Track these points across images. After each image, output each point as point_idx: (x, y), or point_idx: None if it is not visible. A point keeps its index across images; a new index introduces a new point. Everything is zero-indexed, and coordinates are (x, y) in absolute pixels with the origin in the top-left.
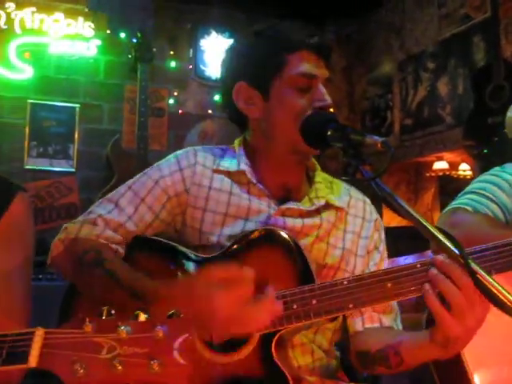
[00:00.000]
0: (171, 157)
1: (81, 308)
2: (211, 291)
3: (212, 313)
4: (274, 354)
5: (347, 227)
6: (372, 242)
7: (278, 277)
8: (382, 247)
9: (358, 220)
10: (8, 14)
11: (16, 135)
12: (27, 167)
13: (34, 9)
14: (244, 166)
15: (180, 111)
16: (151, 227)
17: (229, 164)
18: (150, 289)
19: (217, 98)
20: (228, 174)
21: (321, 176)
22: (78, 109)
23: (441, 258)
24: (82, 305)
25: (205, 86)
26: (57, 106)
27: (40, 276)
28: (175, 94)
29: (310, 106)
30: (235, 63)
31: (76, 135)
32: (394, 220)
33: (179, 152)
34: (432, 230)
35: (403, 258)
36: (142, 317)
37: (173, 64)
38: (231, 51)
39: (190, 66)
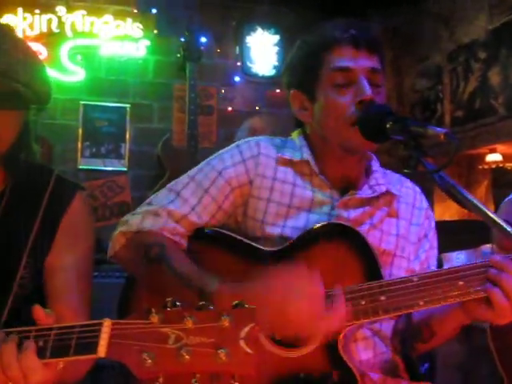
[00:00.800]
0: (234, 147)
1: (139, 302)
2: (285, 300)
3: (285, 316)
4: (341, 350)
5: (400, 214)
6: (422, 230)
7: (344, 271)
8: (432, 235)
9: (409, 207)
10: (59, 18)
11: (69, 136)
12: (80, 167)
13: (84, 12)
14: (307, 156)
15: (229, 108)
16: (214, 218)
17: (292, 154)
18: (217, 289)
19: (265, 94)
20: (291, 163)
21: (377, 165)
22: (128, 109)
23: (498, 257)
24: (140, 298)
25: (252, 82)
26: (108, 106)
27: (95, 273)
28: (223, 91)
29: (352, 101)
30: (286, 73)
31: (127, 135)
32: (445, 214)
33: (241, 142)
34: (497, 220)
35: (455, 253)
36: (207, 307)
37: (220, 61)
38: (286, 61)
39: (238, 63)
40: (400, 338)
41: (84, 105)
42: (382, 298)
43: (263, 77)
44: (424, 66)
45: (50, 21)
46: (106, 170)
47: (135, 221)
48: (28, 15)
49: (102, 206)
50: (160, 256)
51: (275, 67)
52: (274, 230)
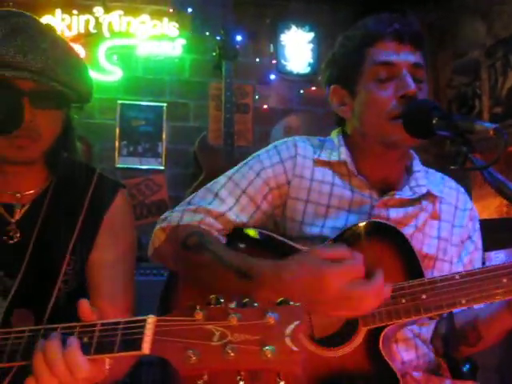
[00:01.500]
0: (271, 147)
1: (180, 299)
2: (323, 266)
3: (323, 288)
4: (382, 350)
5: (442, 216)
6: (466, 232)
7: (385, 271)
8: (476, 237)
9: (451, 209)
10: (97, 19)
11: (107, 135)
12: (118, 166)
13: (121, 12)
14: (345, 156)
15: (264, 107)
16: (252, 219)
17: (329, 154)
18: (257, 267)
19: (300, 92)
20: (329, 164)
21: (419, 165)
22: (165, 107)
23: None
24: (182, 295)
25: (287, 80)
26: (145, 105)
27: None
28: (259, 89)
29: (393, 95)
30: (327, 68)
31: (164, 133)
32: (483, 212)
33: (279, 142)
34: None
35: (494, 252)
36: (252, 304)
37: (255, 60)
38: (327, 57)
39: (274, 61)
40: (443, 342)
41: (121, 104)
42: (424, 296)
43: (298, 74)
44: (461, 62)
45: (87, 21)
46: (143, 169)
47: (174, 217)
48: (66, 16)
49: (140, 204)
50: (198, 243)
51: (310, 65)
52: (313, 231)
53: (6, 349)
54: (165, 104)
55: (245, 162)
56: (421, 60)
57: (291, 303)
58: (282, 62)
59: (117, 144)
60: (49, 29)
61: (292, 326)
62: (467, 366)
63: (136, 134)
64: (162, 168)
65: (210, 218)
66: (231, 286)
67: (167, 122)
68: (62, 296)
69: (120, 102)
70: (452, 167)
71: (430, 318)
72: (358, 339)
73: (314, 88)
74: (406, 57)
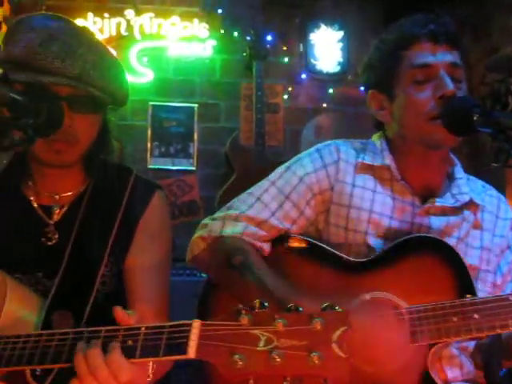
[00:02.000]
0: (313, 151)
1: (220, 304)
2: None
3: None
4: (429, 368)
5: (484, 225)
6: (505, 241)
7: (434, 285)
8: None
9: (492, 218)
10: (128, 21)
11: (139, 136)
12: (150, 167)
13: (151, 14)
14: (389, 161)
15: (295, 106)
16: (296, 224)
17: (372, 158)
18: (297, 302)
19: (330, 91)
20: (371, 168)
21: (461, 172)
22: (196, 108)
23: None
24: (220, 300)
25: (316, 80)
26: (176, 106)
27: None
28: (289, 89)
29: (432, 96)
30: (364, 73)
31: (195, 134)
32: None
33: (321, 146)
34: None
35: None
36: (297, 309)
37: (285, 59)
38: (363, 62)
39: (302, 61)
40: (485, 354)
41: (153, 105)
42: (476, 316)
43: (328, 74)
44: (494, 59)
45: (119, 24)
46: (174, 170)
47: (215, 226)
48: (98, 19)
49: (172, 205)
50: (242, 264)
51: (340, 63)
52: (357, 237)
53: (50, 350)
54: (196, 105)
55: (287, 165)
56: (458, 59)
57: (336, 308)
58: (312, 61)
59: (149, 145)
60: (86, 32)
61: (338, 332)
62: (504, 370)
63: (167, 135)
64: (194, 169)
65: (253, 227)
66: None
67: (198, 123)
68: (100, 297)
69: (151, 103)
70: (494, 164)
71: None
72: (405, 356)
73: (344, 87)
74: (442, 57)
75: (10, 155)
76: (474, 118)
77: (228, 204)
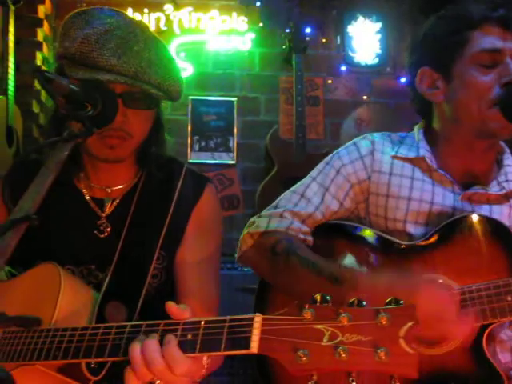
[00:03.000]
0: (350, 144)
1: (278, 297)
2: (421, 284)
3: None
4: (486, 349)
5: None
6: None
7: (486, 266)
8: None
9: None
10: (167, 16)
11: (179, 131)
12: (191, 161)
13: (190, 9)
14: (424, 151)
15: (334, 99)
16: (336, 215)
17: (407, 151)
18: (350, 274)
19: (369, 83)
20: (408, 160)
21: (510, 159)
22: (235, 102)
23: None
24: (276, 296)
25: (355, 72)
26: (216, 100)
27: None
28: (329, 81)
29: (496, 82)
30: (418, 49)
31: (235, 128)
32: None
33: (357, 139)
34: None
35: None
36: (360, 303)
37: (324, 52)
38: (414, 38)
39: (340, 53)
40: None
41: (192, 100)
42: None
43: (366, 66)
44: None
45: (158, 19)
46: (215, 164)
47: (262, 222)
48: (137, 15)
49: None
50: (287, 249)
51: (378, 55)
52: (397, 225)
53: (108, 344)
54: (235, 98)
55: (326, 160)
56: None
57: (401, 302)
58: (350, 53)
59: (189, 140)
60: (142, 28)
61: (405, 328)
62: None
63: (207, 129)
64: (234, 162)
65: (297, 222)
66: (321, 291)
67: (238, 117)
68: (152, 290)
69: (191, 97)
70: None
71: None
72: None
73: (383, 79)
74: (510, 44)
75: (70, 147)
76: None
77: (274, 203)
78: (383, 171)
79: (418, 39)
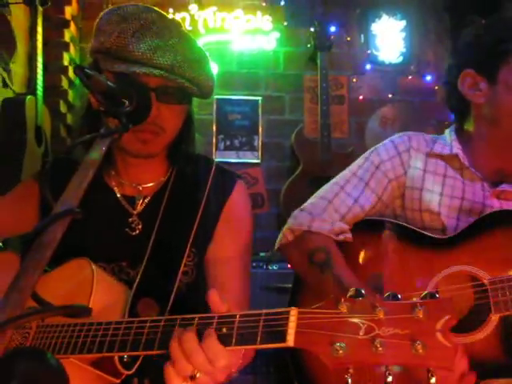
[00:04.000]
0: (388, 142)
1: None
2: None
3: None
4: None
5: None
6: None
7: None
8: None
9: None
10: (192, 16)
11: (205, 130)
12: (216, 160)
13: (215, 8)
14: (457, 150)
15: (360, 97)
16: (374, 209)
17: (441, 149)
18: None
19: (394, 82)
20: (442, 157)
21: None
22: (260, 101)
23: None
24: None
25: (379, 70)
26: (240, 99)
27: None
28: (354, 80)
29: None
30: (463, 52)
31: (260, 127)
32: None
33: (395, 137)
34: None
35: None
36: (395, 297)
37: (349, 50)
38: (459, 41)
39: (364, 52)
40: None
41: (217, 99)
42: None
43: (390, 64)
44: None
45: (183, 19)
46: (240, 163)
47: (305, 219)
48: None
49: None
50: (324, 263)
51: (402, 54)
52: (431, 218)
53: (142, 338)
54: (260, 98)
55: (364, 156)
56: None
57: (437, 296)
58: (374, 52)
59: (214, 138)
60: (176, 24)
61: (442, 321)
62: None
63: (232, 128)
64: (258, 161)
65: (338, 222)
66: None
67: (263, 116)
68: (183, 287)
69: (216, 97)
70: None
71: None
72: (490, 326)
73: (408, 77)
74: None
75: (107, 143)
76: None
77: (316, 193)
78: (418, 167)
79: (463, 41)
